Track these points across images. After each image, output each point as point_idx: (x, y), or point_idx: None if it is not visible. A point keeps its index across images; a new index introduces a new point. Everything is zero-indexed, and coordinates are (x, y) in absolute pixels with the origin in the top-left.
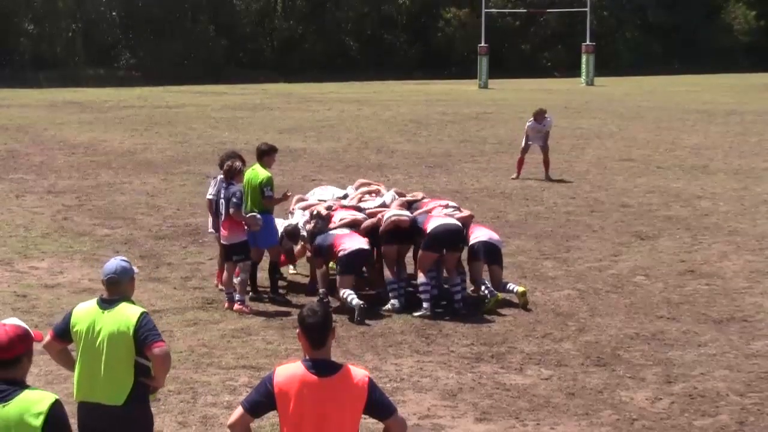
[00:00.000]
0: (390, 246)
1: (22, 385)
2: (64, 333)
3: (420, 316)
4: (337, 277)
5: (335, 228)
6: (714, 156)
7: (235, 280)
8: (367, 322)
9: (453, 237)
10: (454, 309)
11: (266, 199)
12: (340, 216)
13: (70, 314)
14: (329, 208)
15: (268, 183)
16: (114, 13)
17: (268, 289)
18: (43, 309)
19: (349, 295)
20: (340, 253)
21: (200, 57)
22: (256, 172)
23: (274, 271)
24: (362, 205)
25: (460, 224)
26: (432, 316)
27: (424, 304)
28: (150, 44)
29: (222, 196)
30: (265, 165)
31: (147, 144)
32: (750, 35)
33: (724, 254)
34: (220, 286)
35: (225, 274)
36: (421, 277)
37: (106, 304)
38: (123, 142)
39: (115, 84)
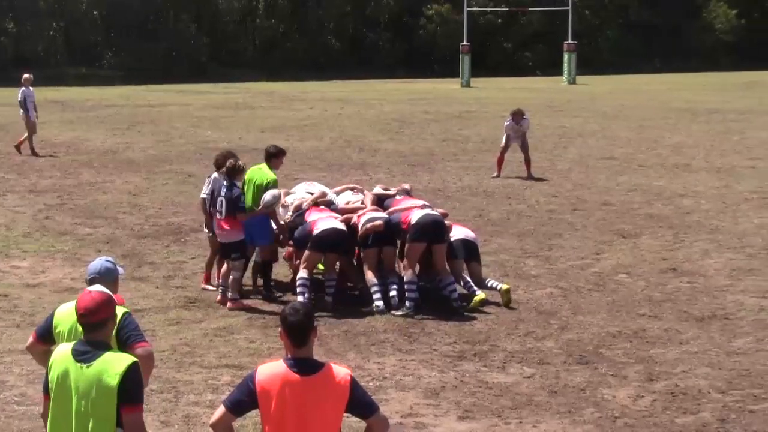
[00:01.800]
0: (369, 249)
1: (104, 348)
2: (46, 335)
3: (402, 315)
4: (305, 252)
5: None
6: (696, 154)
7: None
8: (349, 320)
9: (437, 228)
10: (454, 308)
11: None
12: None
13: (52, 316)
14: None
15: (275, 185)
16: (96, 12)
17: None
18: (24, 308)
19: (302, 283)
20: (314, 232)
21: (182, 56)
22: (263, 173)
23: (267, 270)
24: (342, 198)
25: (441, 217)
26: (413, 315)
27: (407, 303)
28: (132, 43)
29: (223, 194)
30: (273, 167)
31: (129, 143)
32: (731, 34)
33: (705, 252)
34: (203, 286)
35: (224, 267)
36: (409, 274)
37: None
38: (105, 141)
39: (98, 83)
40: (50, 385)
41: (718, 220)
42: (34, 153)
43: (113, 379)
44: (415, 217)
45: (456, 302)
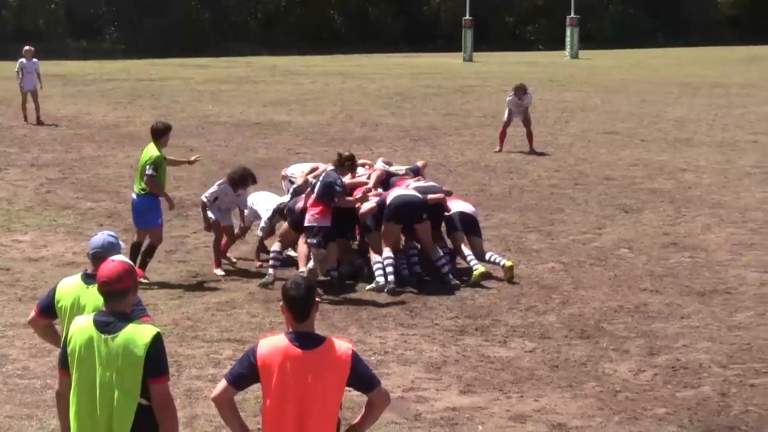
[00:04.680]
0: (371, 233)
1: (126, 319)
2: (48, 309)
3: (371, 289)
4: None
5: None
6: (698, 129)
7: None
8: (351, 294)
9: (411, 208)
10: (444, 283)
11: (147, 177)
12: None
13: (54, 290)
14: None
15: (155, 162)
16: None
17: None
18: (26, 282)
19: (274, 257)
20: (295, 210)
21: (184, 30)
22: (146, 151)
23: (147, 254)
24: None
25: (420, 196)
26: (384, 289)
27: (378, 279)
28: (134, 17)
29: (320, 179)
30: (160, 145)
31: (130, 117)
32: (734, 8)
33: (707, 227)
34: (215, 271)
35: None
36: (386, 251)
37: (90, 279)
38: (106, 115)
39: (99, 57)
40: (70, 358)
41: (720, 194)
42: (27, 120)
43: (140, 350)
44: (390, 197)
45: (446, 276)
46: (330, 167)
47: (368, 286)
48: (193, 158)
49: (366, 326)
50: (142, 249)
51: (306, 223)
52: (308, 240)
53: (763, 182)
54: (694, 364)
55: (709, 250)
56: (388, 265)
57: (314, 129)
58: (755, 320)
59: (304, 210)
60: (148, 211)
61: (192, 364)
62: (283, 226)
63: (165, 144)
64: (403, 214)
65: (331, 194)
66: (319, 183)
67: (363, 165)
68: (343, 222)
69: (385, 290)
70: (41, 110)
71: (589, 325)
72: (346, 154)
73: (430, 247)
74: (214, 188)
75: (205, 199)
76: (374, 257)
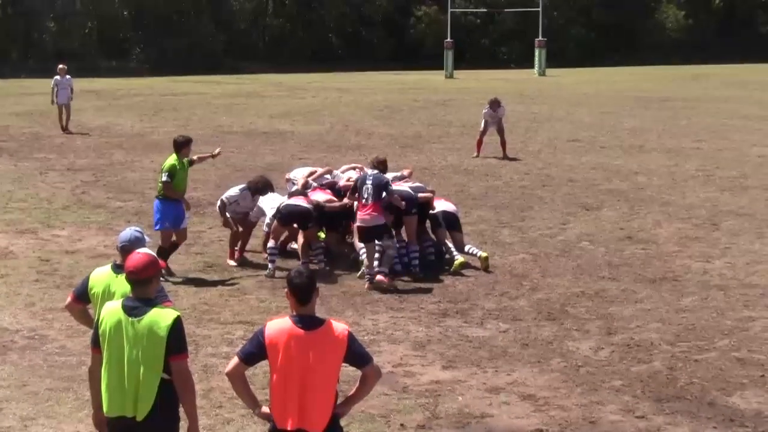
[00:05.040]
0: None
1: (151, 304)
2: (83, 295)
3: (360, 276)
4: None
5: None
6: (649, 137)
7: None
8: (347, 282)
9: (405, 200)
10: (411, 272)
11: (162, 183)
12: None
13: (87, 278)
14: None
15: (168, 170)
16: (125, 12)
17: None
18: (63, 272)
19: (271, 252)
20: (281, 208)
21: (201, 51)
22: (165, 159)
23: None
24: (345, 176)
25: (412, 192)
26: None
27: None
28: (157, 39)
29: (369, 182)
30: (182, 156)
31: (154, 127)
32: (680, 32)
33: (657, 222)
34: (228, 260)
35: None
36: (357, 245)
37: (119, 269)
38: (133, 125)
39: (127, 75)
40: (101, 338)
41: (668, 194)
42: (63, 130)
43: (162, 331)
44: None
45: (414, 267)
46: (346, 170)
47: (358, 275)
48: (216, 151)
49: (360, 310)
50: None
51: (364, 225)
52: (369, 240)
53: (705, 183)
54: (645, 342)
55: (659, 243)
56: (363, 253)
57: (315, 137)
58: (699, 304)
59: (290, 207)
60: (172, 213)
61: (208, 343)
62: (274, 223)
63: (186, 155)
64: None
65: (388, 193)
66: (370, 185)
67: (354, 168)
68: (336, 217)
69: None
70: (71, 122)
71: (554, 308)
72: (381, 157)
73: (412, 238)
74: (235, 191)
75: (225, 200)
76: (358, 246)
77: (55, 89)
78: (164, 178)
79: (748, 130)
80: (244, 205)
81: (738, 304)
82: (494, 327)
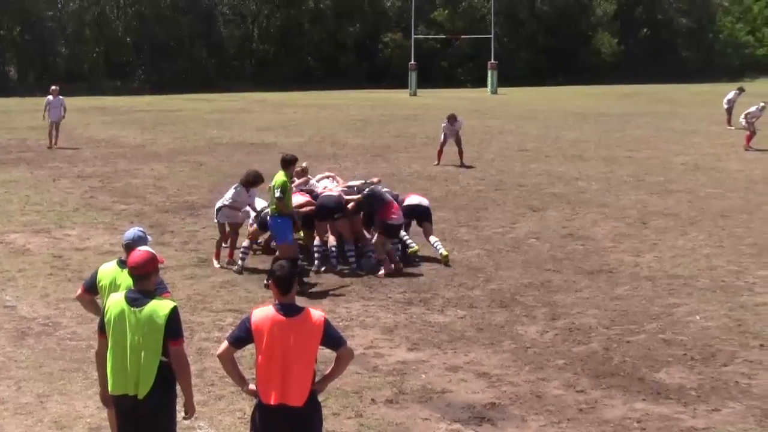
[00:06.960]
0: (319, 222)
1: (150, 296)
2: (91, 287)
3: (314, 270)
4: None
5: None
6: (587, 147)
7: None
8: (324, 275)
9: (327, 209)
10: (353, 269)
11: (276, 199)
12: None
13: (96, 272)
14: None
15: (279, 186)
16: (129, 39)
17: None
18: (74, 267)
19: (243, 251)
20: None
21: (195, 73)
22: (276, 177)
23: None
24: (321, 184)
25: (336, 196)
26: (319, 270)
27: (316, 262)
28: (157, 62)
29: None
30: (289, 173)
31: (154, 139)
32: (614, 56)
33: (595, 222)
34: (214, 260)
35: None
36: (317, 240)
37: (123, 264)
38: (136, 137)
39: (130, 93)
40: (107, 325)
41: (605, 197)
42: (50, 147)
43: (161, 320)
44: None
45: (353, 264)
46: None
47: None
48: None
49: (335, 299)
50: (273, 257)
51: (396, 223)
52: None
53: (636, 188)
54: (585, 326)
55: (596, 240)
56: (317, 251)
57: (296, 148)
58: (630, 293)
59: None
60: (280, 229)
61: (201, 329)
62: (253, 227)
63: (292, 172)
64: (320, 213)
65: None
66: (387, 194)
67: (328, 177)
68: (311, 218)
69: (320, 270)
70: (59, 139)
71: (506, 297)
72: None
73: (350, 238)
74: (231, 192)
75: (227, 203)
76: (317, 243)
77: (47, 107)
78: (278, 194)
79: (673, 141)
80: (241, 201)
81: (664, 293)
82: (453, 314)
